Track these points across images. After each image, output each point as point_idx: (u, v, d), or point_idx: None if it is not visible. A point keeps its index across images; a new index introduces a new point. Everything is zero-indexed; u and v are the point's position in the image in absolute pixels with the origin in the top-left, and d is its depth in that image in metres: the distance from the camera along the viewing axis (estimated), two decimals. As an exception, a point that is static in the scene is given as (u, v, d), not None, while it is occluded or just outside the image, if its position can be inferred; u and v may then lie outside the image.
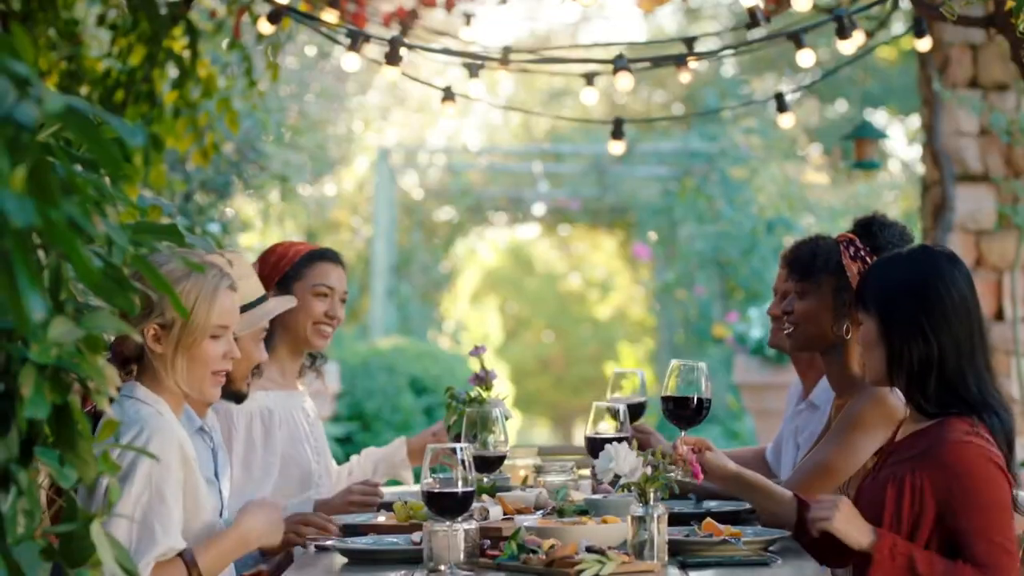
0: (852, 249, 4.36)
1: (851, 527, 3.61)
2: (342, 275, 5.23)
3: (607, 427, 4.39)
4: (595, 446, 4.24)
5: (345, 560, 3.85)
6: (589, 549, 3.52)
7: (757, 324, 12.43)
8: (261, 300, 4.47)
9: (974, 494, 3.56)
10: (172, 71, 8.15)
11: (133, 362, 3.75)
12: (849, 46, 6.09)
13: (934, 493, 3.61)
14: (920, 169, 9.56)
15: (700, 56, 6.81)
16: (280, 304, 4.61)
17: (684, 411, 4.27)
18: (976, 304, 3.74)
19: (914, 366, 3.69)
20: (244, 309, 4.26)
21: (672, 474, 4.15)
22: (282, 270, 5.11)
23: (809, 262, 4.58)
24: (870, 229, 4.43)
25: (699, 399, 4.25)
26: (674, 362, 4.31)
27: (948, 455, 3.59)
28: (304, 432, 5.08)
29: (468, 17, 8.22)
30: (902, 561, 3.55)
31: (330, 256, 5.22)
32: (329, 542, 3.95)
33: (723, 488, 4.30)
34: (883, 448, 3.90)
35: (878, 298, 3.75)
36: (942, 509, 3.60)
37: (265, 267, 5.13)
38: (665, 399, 4.28)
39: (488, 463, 4.14)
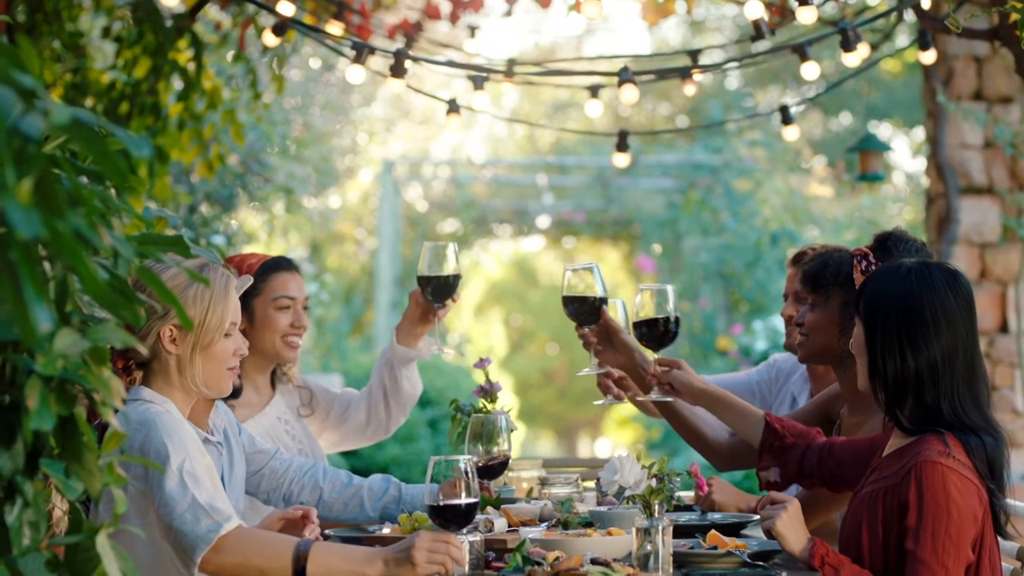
0: (864, 263, 4.35)
1: (790, 532, 3.67)
2: (300, 282, 5.15)
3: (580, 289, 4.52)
4: (569, 303, 4.48)
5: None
6: (594, 561, 3.52)
7: (762, 336, 12.42)
8: None
9: (927, 516, 3.56)
10: (177, 83, 8.18)
11: (138, 368, 3.77)
12: (853, 59, 6.09)
13: (899, 511, 3.62)
14: (924, 181, 9.56)
15: (705, 68, 6.82)
16: (241, 283, 4.44)
17: (655, 332, 4.31)
18: (967, 327, 3.72)
19: (889, 381, 3.71)
20: None
21: (650, 396, 4.34)
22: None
23: (820, 274, 4.58)
24: (885, 244, 4.42)
25: (667, 320, 4.30)
26: (642, 288, 4.36)
27: (914, 472, 3.59)
28: (286, 444, 5.05)
29: (472, 29, 8.23)
30: (830, 572, 3.59)
31: (285, 265, 5.13)
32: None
33: (692, 403, 4.35)
34: (872, 464, 3.90)
35: (867, 306, 3.77)
36: (900, 525, 3.62)
37: None
38: (637, 324, 4.33)
39: (491, 471, 4.14)
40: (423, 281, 4.80)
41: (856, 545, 3.72)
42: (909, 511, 3.58)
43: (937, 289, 3.70)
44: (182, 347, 3.74)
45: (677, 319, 4.34)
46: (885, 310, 3.72)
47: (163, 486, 3.48)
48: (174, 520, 3.46)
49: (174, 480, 3.48)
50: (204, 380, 3.78)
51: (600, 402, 4.79)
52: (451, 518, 3.55)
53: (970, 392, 3.70)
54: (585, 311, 4.48)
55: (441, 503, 3.54)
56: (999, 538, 3.74)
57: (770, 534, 3.72)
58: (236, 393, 4.41)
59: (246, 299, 4.97)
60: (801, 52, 6.14)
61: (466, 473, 3.54)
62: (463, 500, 3.53)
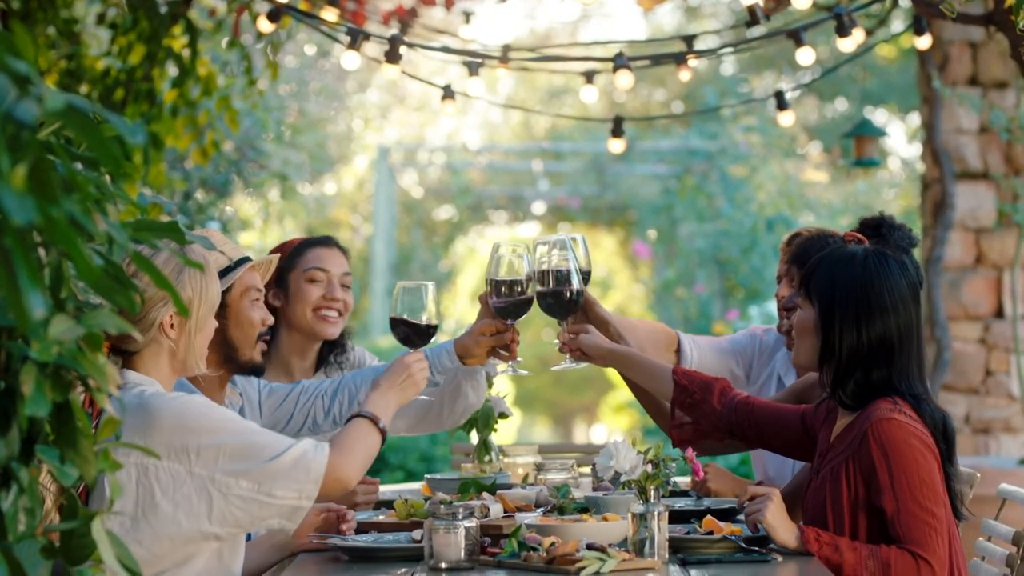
0: None
1: (779, 521, 3.70)
2: (339, 258, 5.07)
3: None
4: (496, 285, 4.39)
5: (346, 558, 3.85)
6: (590, 547, 3.52)
7: (757, 322, 12.43)
8: (244, 261, 4.15)
9: (896, 469, 3.63)
10: (172, 70, 8.16)
11: (118, 354, 3.74)
12: (849, 44, 6.09)
13: (864, 477, 3.66)
14: (920, 167, 9.57)
15: (700, 54, 6.82)
16: (264, 256, 4.32)
17: (559, 301, 4.28)
18: (916, 312, 3.83)
19: (842, 361, 3.77)
20: (225, 272, 4.10)
21: (563, 364, 4.36)
22: (278, 266, 4.93)
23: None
24: (879, 231, 4.43)
25: (571, 292, 4.28)
26: (543, 257, 4.29)
27: (871, 433, 3.66)
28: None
29: (468, 15, 8.23)
30: (829, 551, 3.62)
31: (323, 241, 5.09)
32: (330, 540, 3.93)
33: (604, 365, 4.35)
34: (820, 450, 3.92)
35: (823, 292, 3.84)
36: (870, 490, 3.66)
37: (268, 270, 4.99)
38: (541, 294, 4.28)
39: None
40: (492, 285, 4.41)
41: (822, 527, 3.74)
42: (877, 472, 3.63)
43: (893, 274, 3.81)
44: (181, 331, 3.70)
45: (580, 291, 4.32)
46: (843, 294, 3.80)
47: (252, 443, 3.47)
48: (288, 454, 3.47)
49: (251, 433, 3.49)
50: (200, 359, 3.75)
51: (558, 366, 4.60)
52: (412, 333, 4.19)
53: (919, 373, 3.81)
54: None
55: (405, 317, 4.17)
56: (958, 521, 3.81)
57: (756, 527, 3.74)
58: (259, 371, 4.26)
59: (282, 277, 4.97)
60: (796, 37, 6.13)
61: (431, 299, 4.24)
62: (424, 320, 4.22)
